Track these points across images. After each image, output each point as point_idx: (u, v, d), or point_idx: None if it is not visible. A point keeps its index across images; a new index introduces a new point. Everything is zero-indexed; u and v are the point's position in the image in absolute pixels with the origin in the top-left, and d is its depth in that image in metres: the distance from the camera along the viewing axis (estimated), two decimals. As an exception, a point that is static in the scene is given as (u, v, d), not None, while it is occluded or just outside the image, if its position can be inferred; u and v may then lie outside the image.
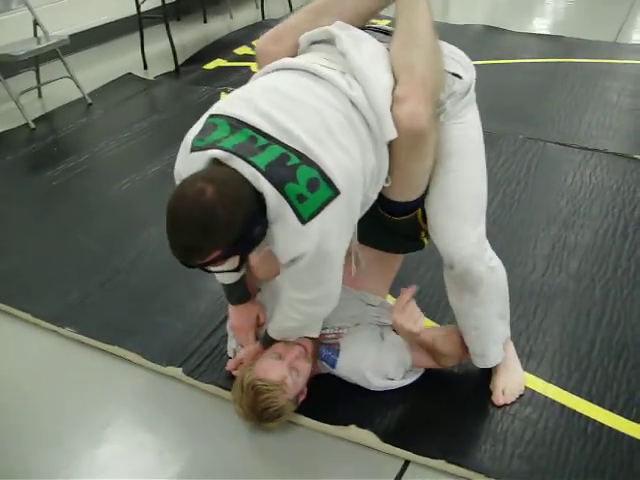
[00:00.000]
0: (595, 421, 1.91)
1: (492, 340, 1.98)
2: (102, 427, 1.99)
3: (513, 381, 2.02)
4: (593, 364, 2.11)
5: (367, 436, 1.87)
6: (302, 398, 1.92)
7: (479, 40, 5.17)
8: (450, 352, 1.98)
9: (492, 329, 1.96)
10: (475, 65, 1.83)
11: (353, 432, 1.89)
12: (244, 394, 1.82)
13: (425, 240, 1.99)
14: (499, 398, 1.98)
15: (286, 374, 1.82)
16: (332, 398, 2.00)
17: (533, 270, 2.55)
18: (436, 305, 2.29)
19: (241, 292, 2.05)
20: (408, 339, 1.95)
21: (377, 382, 1.97)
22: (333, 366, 1.98)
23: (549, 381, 2.06)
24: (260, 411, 1.81)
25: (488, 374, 2.04)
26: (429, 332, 1.96)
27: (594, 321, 2.29)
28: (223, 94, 4.36)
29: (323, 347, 1.99)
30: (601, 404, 1.97)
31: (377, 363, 1.96)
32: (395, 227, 1.87)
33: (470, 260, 1.79)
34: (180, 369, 2.13)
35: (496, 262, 1.90)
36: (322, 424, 1.92)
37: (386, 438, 1.87)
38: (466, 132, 1.80)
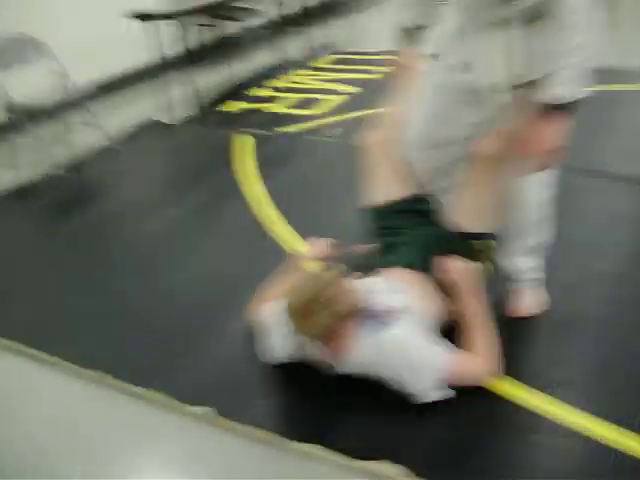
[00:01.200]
0: (624, 450, 1.88)
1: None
2: (133, 470, 2.00)
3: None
4: (623, 392, 2.09)
5: (400, 471, 1.86)
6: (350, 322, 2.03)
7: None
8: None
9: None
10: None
11: (386, 467, 1.87)
12: (314, 281, 2.04)
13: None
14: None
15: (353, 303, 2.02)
16: (362, 432, 2.00)
17: (560, 299, 2.53)
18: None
19: None
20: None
21: (421, 368, 2.00)
22: (377, 334, 2.02)
23: (577, 409, 2.03)
24: (314, 294, 1.98)
25: (510, 409, 2.04)
26: None
27: (622, 348, 2.27)
28: (246, 135, 4.43)
29: (370, 319, 2.05)
30: (630, 431, 1.94)
31: (422, 352, 2.01)
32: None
33: None
34: (210, 409, 2.13)
35: None
36: (354, 460, 1.91)
37: (420, 472, 1.85)
38: None
